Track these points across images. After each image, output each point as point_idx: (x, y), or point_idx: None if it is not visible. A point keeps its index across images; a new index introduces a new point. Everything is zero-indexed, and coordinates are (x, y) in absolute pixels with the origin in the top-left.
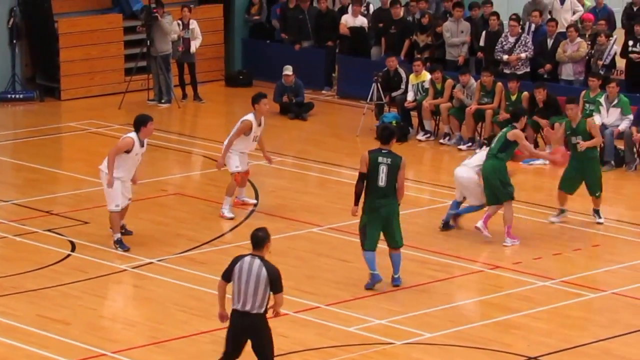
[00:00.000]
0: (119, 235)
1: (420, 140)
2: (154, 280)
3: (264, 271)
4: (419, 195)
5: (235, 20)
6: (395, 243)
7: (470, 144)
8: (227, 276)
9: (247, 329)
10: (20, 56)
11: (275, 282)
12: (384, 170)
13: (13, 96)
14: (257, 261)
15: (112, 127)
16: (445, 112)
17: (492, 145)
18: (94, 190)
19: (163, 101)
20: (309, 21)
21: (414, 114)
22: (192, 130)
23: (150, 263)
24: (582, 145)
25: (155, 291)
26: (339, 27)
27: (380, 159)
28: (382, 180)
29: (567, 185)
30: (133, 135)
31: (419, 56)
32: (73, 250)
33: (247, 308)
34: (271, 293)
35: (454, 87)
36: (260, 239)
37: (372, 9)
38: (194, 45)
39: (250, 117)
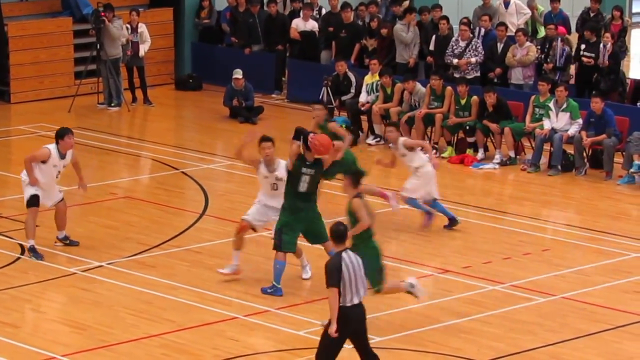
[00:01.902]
0: (32, 242)
1: (370, 144)
2: (104, 284)
3: (359, 259)
4: (367, 198)
5: (185, 23)
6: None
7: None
8: (339, 281)
9: (359, 319)
10: None
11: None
12: None
13: None
14: (351, 253)
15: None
16: (394, 116)
17: None
18: None
19: (113, 105)
20: (259, 25)
21: (364, 117)
22: (142, 133)
23: (100, 266)
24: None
25: (104, 294)
26: (290, 31)
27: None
28: None
29: None
30: (52, 146)
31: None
32: (22, 253)
33: (359, 299)
34: None
35: (403, 91)
36: (343, 233)
37: (323, 12)
38: (143, 49)
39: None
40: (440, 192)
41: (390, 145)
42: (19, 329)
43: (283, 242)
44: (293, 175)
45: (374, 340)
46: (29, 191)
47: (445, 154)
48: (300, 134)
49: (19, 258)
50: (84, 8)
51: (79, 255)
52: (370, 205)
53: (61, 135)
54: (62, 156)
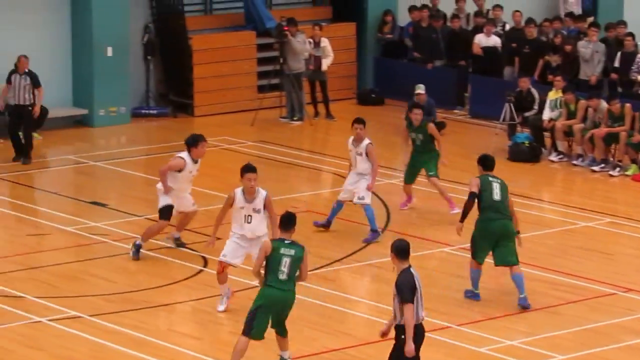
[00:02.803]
0: (142, 243)
1: (552, 161)
2: None
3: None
4: (550, 216)
5: (367, 38)
6: None
7: (603, 165)
8: (414, 298)
9: (424, 336)
10: (154, 72)
11: None
12: None
13: (147, 112)
14: (414, 270)
15: (244, 144)
16: (578, 133)
17: None
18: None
19: (295, 119)
20: (442, 40)
21: (546, 134)
22: (323, 147)
23: None
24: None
25: None
26: (472, 46)
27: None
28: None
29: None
30: (185, 155)
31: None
32: (205, 266)
33: (424, 314)
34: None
35: (586, 108)
36: (407, 249)
37: (506, 28)
38: (325, 64)
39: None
40: (625, 210)
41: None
42: (201, 341)
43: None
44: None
45: (556, 358)
46: (164, 200)
47: (629, 172)
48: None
49: (201, 271)
50: (267, 22)
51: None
52: None
53: (194, 143)
54: (195, 161)
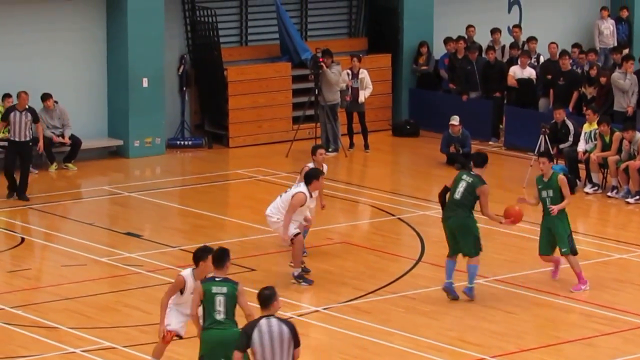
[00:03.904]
0: (298, 270)
1: (587, 193)
2: (319, 328)
3: (285, 328)
4: (585, 248)
5: (402, 69)
6: None
7: (638, 197)
8: (244, 345)
9: None
10: (189, 103)
11: (297, 336)
12: None
13: (182, 143)
14: (274, 320)
15: (279, 175)
16: (612, 164)
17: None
18: (261, 238)
19: (330, 150)
20: (477, 72)
21: (581, 166)
22: (359, 179)
23: (316, 311)
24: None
25: (320, 339)
26: (507, 78)
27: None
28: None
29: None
30: (303, 189)
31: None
32: None
33: None
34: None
35: (621, 139)
36: (268, 297)
37: (541, 60)
38: (363, 95)
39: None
40: None
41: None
42: None
43: None
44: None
45: None
46: (286, 229)
47: None
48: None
49: None
50: (303, 53)
51: (295, 299)
52: None
53: (316, 176)
54: (311, 195)
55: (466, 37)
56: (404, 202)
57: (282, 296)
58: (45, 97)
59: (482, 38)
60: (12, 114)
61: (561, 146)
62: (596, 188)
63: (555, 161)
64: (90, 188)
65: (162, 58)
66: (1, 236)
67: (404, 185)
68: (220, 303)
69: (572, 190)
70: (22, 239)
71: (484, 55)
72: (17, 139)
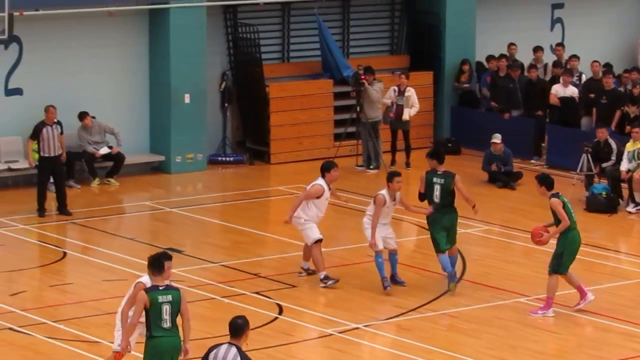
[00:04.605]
0: (324, 273)
1: (630, 212)
2: (360, 346)
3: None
4: (626, 267)
5: (444, 87)
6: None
7: None
8: None
9: None
10: (231, 119)
11: None
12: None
13: (223, 159)
14: (234, 350)
15: None
16: None
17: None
18: (301, 255)
19: (371, 167)
20: (519, 90)
21: (624, 185)
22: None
23: (356, 328)
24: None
25: (360, 357)
26: (549, 96)
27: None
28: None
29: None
30: (321, 181)
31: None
32: (280, 313)
33: None
34: None
35: None
36: (239, 327)
37: (584, 78)
38: (407, 113)
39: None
40: None
41: None
42: None
43: None
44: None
45: None
46: (311, 233)
47: None
48: None
49: (276, 318)
50: (345, 70)
51: (336, 316)
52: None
53: (327, 168)
54: (329, 187)
55: (508, 55)
56: None
57: (323, 313)
58: (82, 115)
59: (525, 56)
60: (44, 130)
61: (603, 165)
62: (639, 207)
63: (597, 180)
64: (131, 203)
65: (204, 74)
66: (43, 250)
67: None
68: (166, 312)
69: (614, 209)
70: (64, 254)
71: (526, 73)
72: (49, 154)
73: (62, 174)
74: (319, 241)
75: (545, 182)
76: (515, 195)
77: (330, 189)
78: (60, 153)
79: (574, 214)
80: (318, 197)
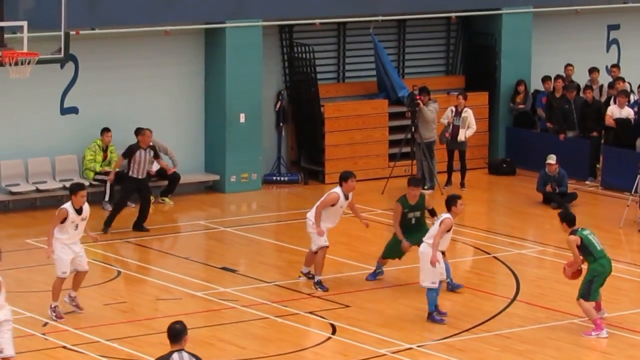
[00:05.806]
0: (319, 278)
1: None
2: None
3: None
4: None
5: (500, 108)
6: None
7: None
8: None
9: None
10: (286, 139)
11: None
12: None
13: (278, 178)
14: (185, 355)
15: (375, 212)
16: None
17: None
18: (355, 275)
19: (426, 187)
20: (575, 111)
21: None
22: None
23: (410, 348)
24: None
25: None
26: (605, 117)
27: None
28: None
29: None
30: (338, 190)
31: None
32: (334, 333)
33: None
34: None
35: None
36: (178, 332)
37: (632, 99)
38: (463, 134)
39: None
40: None
41: None
42: None
43: None
44: None
45: None
46: (318, 240)
47: None
48: None
49: (329, 338)
50: (400, 90)
51: (390, 336)
52: None
53: (345, 178)
54: (346, 197)
55: (564, 76)
56: (500, 240)
57: (377, 333)
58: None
59: (580, 77)
60: (137, 152)
61: None
62: None
63: None
64: (186, 222)
65: (259, 94)
66: (98, 269)
67: (500, 223)
68: None
69: None
70: (119, 272)
71: (581, 94)
72: (138, 177)
73: (149, 192)
74: (325, 247)
75: (567, 219)
76: None
77: (348, 199)
78: (148, 176)
79: (599, 245)
80: (333, 205)
